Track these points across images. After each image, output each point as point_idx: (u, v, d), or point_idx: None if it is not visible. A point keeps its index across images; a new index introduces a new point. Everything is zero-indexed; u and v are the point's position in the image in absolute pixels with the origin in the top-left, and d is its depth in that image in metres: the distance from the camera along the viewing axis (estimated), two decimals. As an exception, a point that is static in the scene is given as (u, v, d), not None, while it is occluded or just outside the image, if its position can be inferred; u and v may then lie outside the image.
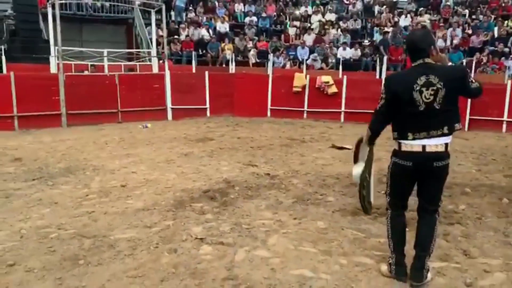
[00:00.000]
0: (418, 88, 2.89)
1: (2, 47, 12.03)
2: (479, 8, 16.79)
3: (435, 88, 2.87)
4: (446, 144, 2.95)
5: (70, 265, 3.33)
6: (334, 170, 6.56)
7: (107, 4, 15.73)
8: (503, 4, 16.41)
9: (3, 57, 11.84)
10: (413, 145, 2.95)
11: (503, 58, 13.71)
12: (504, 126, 11.26)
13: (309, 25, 17.00)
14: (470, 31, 15.26)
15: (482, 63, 13.62)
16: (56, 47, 11.63)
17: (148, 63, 13.85)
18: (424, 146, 2.93)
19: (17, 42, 13.11)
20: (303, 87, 12.82)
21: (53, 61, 12.10)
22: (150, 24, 15.10)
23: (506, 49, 14.00)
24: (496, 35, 14.88)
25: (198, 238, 3.87)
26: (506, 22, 15.29)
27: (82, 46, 15.45)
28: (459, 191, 5.50)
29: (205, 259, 3.47)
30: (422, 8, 17.26)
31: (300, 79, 12.91)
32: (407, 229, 3.23)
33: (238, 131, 10.34)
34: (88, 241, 3.78)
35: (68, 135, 9.66)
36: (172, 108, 12.42)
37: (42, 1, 14.07)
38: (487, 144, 9.38)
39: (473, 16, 16.30)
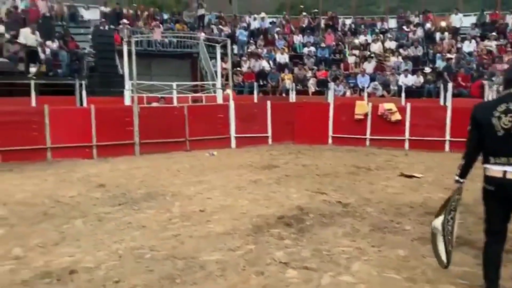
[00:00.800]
0: (497, 115, 2.98)
1: (83, 82, 13.12)
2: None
3: None
4: None
5: (168, 284, 3.59)
6: (406, 199, 6.51)
7: (175, 40, 16.73)
8: None
9: (84, 91, 12.88)
10: (494, 170, 3.02)
11: None
12: None
13: (368, 53, 17.07)
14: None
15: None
16: (131, 81, 12.53)
17: (213, 94, 14.46)
18: (505, 172, 2.96)
19: (96, 77, 14.24)
20: (365, 115, 12.82)
21: (127, 94, 12.98)
22: (214, 58, 15.89)
23: None
24: None
25: (282, 262, 4.02)
26: None
27: (151, 79, 16.46)
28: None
29: (292, 282, 3.60)
30: (491, 34, 16.80)
31: (362, 107, 12.93)
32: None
33: (301, 159, 10.48)
34: (180, 262, 4.04)
35: (142, 162, 10.23)
36: (235, 137, 12.82)
37: (117, 39, 15.27)
38: None
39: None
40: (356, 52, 17.29)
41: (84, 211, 5.87)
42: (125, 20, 17.05)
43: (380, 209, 5.92)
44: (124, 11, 18.58)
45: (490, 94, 13.30)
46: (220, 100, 13.98)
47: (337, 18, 20.37)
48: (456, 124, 11.92)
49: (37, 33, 13.70)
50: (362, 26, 19.63)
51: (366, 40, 17.99)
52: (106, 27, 16.26)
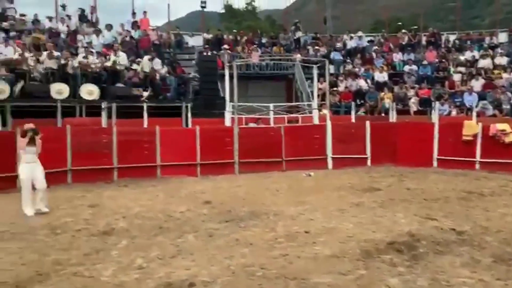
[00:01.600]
0: None
1: (189, 104, 14.00)
2: None
3: None
4: None
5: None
6: (531, 229, 5.89)
7: (271, 62, 17.18)
8: None
9: (189, 113, 13.72)
10: None
11: None
12: None
13: (476, 70, 15.96)
14: None
15: None
16: (231, 103, 13.08)
17: (309, 114, 14.51)
18: None
19: (200, 100, 15.12)
20: (475, 136, 11.92)
21: (227, 115, 13.55)
22: (310, 78, 16.01)
23: None
24: None
25: (397, 290, 3.85)
26: None
27: (247, 101, 17.02)
28: None
29: (413, 313, 3.42)
30: None
31: (471, 127, 12.05)
32: None
33: (405, 182, 10.02)
34: (292, 283, 4.06)
35: (242, 181, 10.54)
36: (332, 157, 12.67)
37: (219, 64, 16.11)
38: None
39: None
40: (462, 69, 16.25)
41: (195, 226, 6.18)
42: (226, 46, 17.93)
43: (501, 239, 5.42)
44: (225, 37, 19.54)
45: None
46: (316, 121, 13.98)
47: (440, 34, 19.40)
48: None
49: (156, 60, 14.98)
50: (468, 42, 18.45)
51: (473, 56, 16.84)
52: (209, 53, 17.22)
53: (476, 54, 17.01)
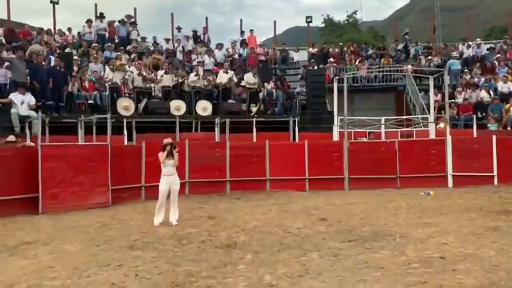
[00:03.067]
0: None
1: (296, 119, 13.98)
2: None
3: None
4: None
5: None
6: None
7: (380, 74, 16.54)
8: None
9: (296, 128, 13.69)
10: None
11: None
12: None
13: None
14: None
15: None
16: (340, 117, 12.75)
17: (424, 128, 13.61)
18: None
19: (307, 114, 15.05)
20: None
21: (335, 129, 13.24)
22: (422, 90, 15.07)
23: None
24: None
25: None
26: None
27: (353, 114, 16.53)
28: None
29: None
30: None
31: None
32: None
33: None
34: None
35: (354, 198, 10.13)
36: (453, 175, 11.66)
37: (327, 77, 15.93)
38: None
39: None
40: None
41: (317, 244, 5.97)
42: (331, 59, 17.69)
43: None
44: (330, 50, 19.32)
45: None
46: (432, 135, 13.04)
47: None
48: None
49: (257, 76, 15.29)
50: None
51: None
52: (315, 67, 17.12)
53: None
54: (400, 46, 18.98)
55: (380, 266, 5.04)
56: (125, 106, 13.14)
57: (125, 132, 12.20)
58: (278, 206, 9.23)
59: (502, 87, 15.01)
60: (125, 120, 12.37)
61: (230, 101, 14.36)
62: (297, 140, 13.48)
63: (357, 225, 7.21)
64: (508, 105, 14.10)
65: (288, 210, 8.75)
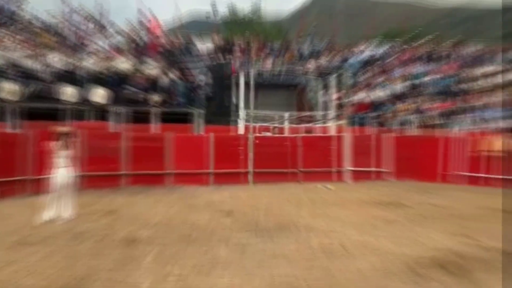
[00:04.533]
0: None
1: (200, 111, 13.58)
2: None
3: None
4: None
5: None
6: None
7: (283, 70, 16.81)
8: None
9: (201, 120, 13.30)
10: None
11: None
12: None
13: (498, 84, 15.63)
14: None
15: None
16: (246, 110, 12.66)
17: (324, 125, 14.11)
18: None
19: (211, 107, 14.70)
20: (503, 152, 11.50)
21: (241, 123, 13.12)
22: (323, 88, 15.65)
23: None
24: None
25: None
26: None
27: (257, 109, 16.62)
28: None
29: None
30: None
31: (496, 143, 11.67)
32: None
33: (430, 198, 9.61)
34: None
35: (259, 192, 10.14)
36: (350, 170, 12.24)
37: (232, 71, 15.72)
38: None
39: None
40: (483, 82, 15.89)
41: (223, 238, 5.75)
42: (237, 52, 17.56)
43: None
44: (235, 42, 19.14)
45: None
46: (332, 132, 13.58)
47: (460, 47, 19.09)
48: None
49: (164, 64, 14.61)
50: (486, 55, 18.17)
51: (494, 70, 16.53)
52: (220, 59, 16.83)
53: (495, 68, 16.68)
54: (304, 44, 19.53)
55: (286, 256, 5.04)
56: (10, 89, 11.59)
57: (10, 118, 10.80)
58: (181, 200, 8.86)
59: (396, 88, 16.19)
60: (9, 105, 10.90)
61: (128, 88, 13.37)
62: (201, 132, 13.09)
63: (262, 218, 7.13)
64: (400, 105, 15.23)
65: (192, 204, 8.41)
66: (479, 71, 16.71)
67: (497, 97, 14.81)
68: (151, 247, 5.24)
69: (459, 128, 13.60)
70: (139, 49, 15.90)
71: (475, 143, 11.97)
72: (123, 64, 13.87)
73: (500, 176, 11.37)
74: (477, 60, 17.72)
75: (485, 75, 16.28)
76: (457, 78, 16.50)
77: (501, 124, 13.66)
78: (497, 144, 11.69)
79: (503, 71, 16.18)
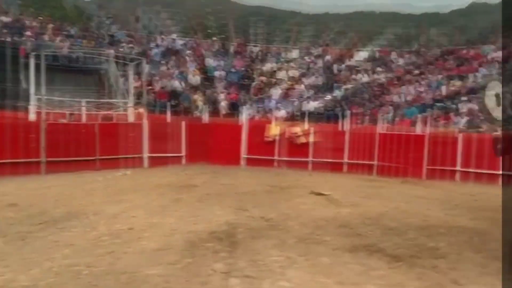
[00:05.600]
0: None
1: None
2: (427, 68, 18.65)
3: None
4: None
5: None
6: (320, 214, 7.16)
7: (83, 55, 16.14)
8: (449, 66, 18.38)
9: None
10: None
11: (451, 113, 15.28)
12: (457, 175, 12.42)
13: (275, 80, 18.16)
14: (421, 89, 16.91)
15: (433, 118, 15.06)
16: (37, 96, 11.84)
17: (123, 112, 14.19)
18: None
19: (-2, 90, 13.19)
20: (275, 137, 13.62)
21: (31, 109, 12.20)
22: (124, 75, 15.67)
23: (454, 106, 15.64)
24: (444, 93, 16.57)
25: (222, 272, 4.29)
26: (452, 81, 17.12)
27: (54, 94, 15.58)
28: (435, 232, 6.24)
29: (237, 290, 3.89)
30: (378, 68, 18.98)
31: (272, 130, 13.74)
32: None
33: (218, 178, 10.82)
34: (123, 276, 4.08)
35: (52, 181, 9.74)
36: (148, 156, 12.73)
37: (22, 52, 14.31)
38: (446, 191, 10.39)
39: (423, 76, 18.09)
40: (264, 78, 18.27)
41: (2, 231, 5.53)
42: (29, 32, 16.03)
43: (300, 223, 6.47)
44: (28, 22, 17.39)
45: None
46: (131, 119, 13.79)
47: (246, 45, 21.34)
48: (353, 147, 13.24)
49: None
50: (268, 54, 20.82)
51: (272, 67, 19.13)
52: (8, 38, 15.09)
53: (275, 66, 19.32)
54: (104, 30, 19.01)
55: (70, 243, 5.15)
56: None
57: None
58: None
59: (191, 79, 17.26)
60: None
61: None
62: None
63: (50, 207, 7.00)
64: (196, 95, 16.33)
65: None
66: (262, 68, 19.14)
67: (277, 90, 17.30)
68: None
69: (247, 116, 15.40)
70: None
71: (261, 130, 13.86)
72: None
73: (280, 158, 13.53)
74: (261, 58, 20.21)
75: (268, 72, 18.76)
76: (245, 73, 18.57)
77: (280, 113, 16.06)
78: (275, 129, 13.78)
79: (279, 69, 18.90)
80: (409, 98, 16.61)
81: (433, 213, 7.69)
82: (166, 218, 6.57)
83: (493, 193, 10.26)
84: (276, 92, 17.33)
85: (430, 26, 26.10)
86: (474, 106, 15.04)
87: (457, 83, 16.94)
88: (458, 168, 12.41)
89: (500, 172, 11.80)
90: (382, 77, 18.24)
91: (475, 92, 16.09)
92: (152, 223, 6.27)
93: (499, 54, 18.00)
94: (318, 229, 6.15)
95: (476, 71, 17.32)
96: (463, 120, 14.51)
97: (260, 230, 5.97)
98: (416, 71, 18.49)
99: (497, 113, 14.30)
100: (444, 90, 16.69)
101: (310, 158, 13.58)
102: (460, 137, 12.70)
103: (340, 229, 6.18)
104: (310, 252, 5.09)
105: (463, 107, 15.10)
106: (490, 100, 14.54)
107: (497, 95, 14.56)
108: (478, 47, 19.24)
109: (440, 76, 17.67)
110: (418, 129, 13.37)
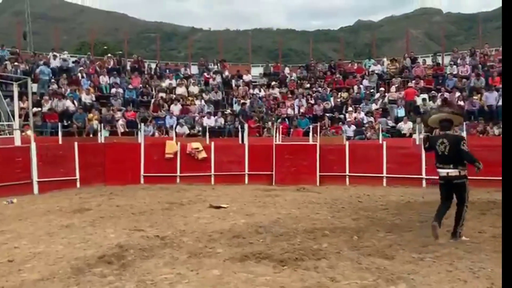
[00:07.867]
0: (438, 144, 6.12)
1: None
2: (317, 82, 19.97)
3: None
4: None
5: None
6: (216, 227, 7.34)
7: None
8: (336, 79, 19.87)
9: None
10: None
11: (340, 123, 16.53)
12: (347, 179, 13.43)
13: (174, 96, 18.12)
14: (312, 101, 18.04)
15: (324, 128, 16.16)
16: None
17: (9, 136, 13.15)
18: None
19: None
20: (175, 154, 13.58)
21: None
22: (9, 96, 14.56)
23: (342, 116, 16.93)
24: (333, 104, 17.86)
25: (107, 297, 4.22)
26: (339, 93, 18.54)
27: None
28: (320, 234, 6.73)
29: (121, 313, 3.86)
30: (273, 82, 19.88)
31: (172, 146, 13.69)
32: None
33: (115, 200, 10.49)
34: (-4, 314, 3.84)
35: None
36: (38, 181, 11.92)
37: None
38: (335, 195, 11.19)
39: (314, 89, 19.33)
40: (163, 94, 18.13)
41: None
42: None
43: (195, 238, 6.56)
44: None
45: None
46: (18, 142, 12.81)
47: (143, 61, 21.04)
48: (252, 159, 13.70)
49: None
50: (167, 71, 20.73)
51: (171, 84, 19.07)
52: None
53: (174, 82, 19.29)
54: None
55: None
56: None
57: None
58: None
59: (85, 98, 16.53)
60: None
61: None
62: None
63: None
64: (91, 114, 15.67)
65: None
66: (161, 84, 19.01)
67: (176, 107, 17.26)
68: None
69: (146, 135, 15.15)
70: None
71: (160, 147, 13.71)
72: None
73: (180, 174, 13.48)
74: (160, 74, 20.09)
75: (166, 89, 18.67)
76: (143, 90, 18.28)
77: (178, 130, 16.03)
78: (174, 147, 13.75)
79: (178, 85, 18.92)
80: (302, 110, 17.59)
81: (321, 217, 8.28)
82: (52, 246, 6.25)
83: (377, 193, 11.33)
84: (176, 109, 17.27)
85: (321, 42, 28.09)
86: (359, 115, 16.44)
87: (344, 94, 18.36)
88: (347, 173, 13.41)
89: (384, 174, 13.05)
90: (276, 92, 19.11)
91: (359, 102, 17.62)
92: (36, 252, 5.93)
93: (378, 67, 19.97)
94: (212, 242, 6.30)
95: (360, 83, 18.97)
96: (350, 129, 15.76)
97: (152, 249, 5.95)
98: (307, 85, 19.67)
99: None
100: (332, 101, 17.98)
101: (212, 172, 13.73)
102: (347, 144, 13.79)
103: (233, 239, 6.38)
104: (202, 266, 5.21)
105: (350, 117, 16.41)
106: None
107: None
108: (360, 61, 21.08)
109: (329, 89, 19.01)
110: (310, 139, 14.23)
